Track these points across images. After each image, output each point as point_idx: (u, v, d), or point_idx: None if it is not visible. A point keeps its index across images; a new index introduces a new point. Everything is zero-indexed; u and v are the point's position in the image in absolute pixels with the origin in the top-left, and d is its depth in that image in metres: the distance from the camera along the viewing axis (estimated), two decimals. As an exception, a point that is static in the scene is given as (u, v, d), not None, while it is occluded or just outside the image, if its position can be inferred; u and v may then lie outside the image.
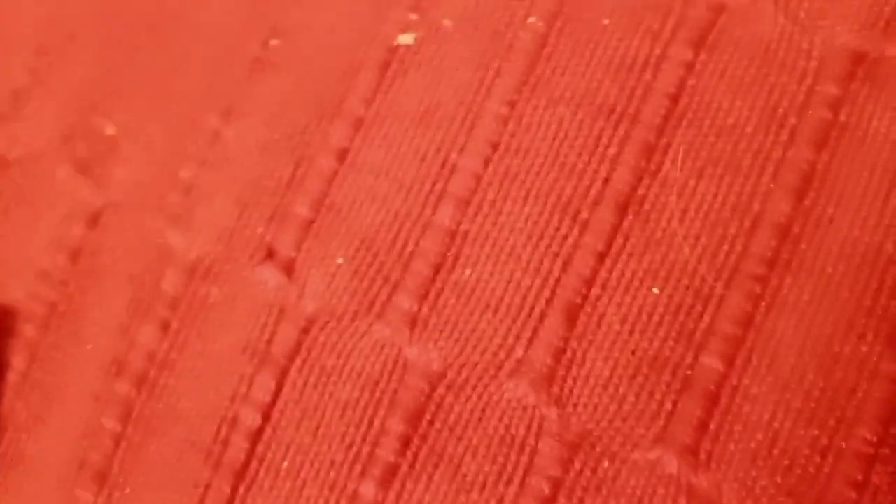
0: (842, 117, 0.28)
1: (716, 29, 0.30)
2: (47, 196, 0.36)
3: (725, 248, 0.28)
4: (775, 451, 0.26)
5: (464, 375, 0.30)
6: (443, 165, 0.31)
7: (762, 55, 0.29)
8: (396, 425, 0.30)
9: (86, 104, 0.36)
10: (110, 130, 0.36)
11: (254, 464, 0.31)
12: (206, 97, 0.35)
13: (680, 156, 0.29)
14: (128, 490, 0.32)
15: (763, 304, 0.27)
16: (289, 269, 0.32)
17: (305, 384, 0.31)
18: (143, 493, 0.32)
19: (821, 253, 0.27)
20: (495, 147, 0.31)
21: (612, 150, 0.30)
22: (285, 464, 0.30)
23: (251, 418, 0.31)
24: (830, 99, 0.28)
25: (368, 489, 0.29)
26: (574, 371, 0.29)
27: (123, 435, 0.33)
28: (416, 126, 0.32)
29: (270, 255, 0.32)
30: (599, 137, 0.30)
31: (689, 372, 0.28)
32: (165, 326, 0.33)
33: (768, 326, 0.27)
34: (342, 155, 0.32)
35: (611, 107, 0.30)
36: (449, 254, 0.30)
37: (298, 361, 0.31)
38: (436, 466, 0.29)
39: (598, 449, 0.28)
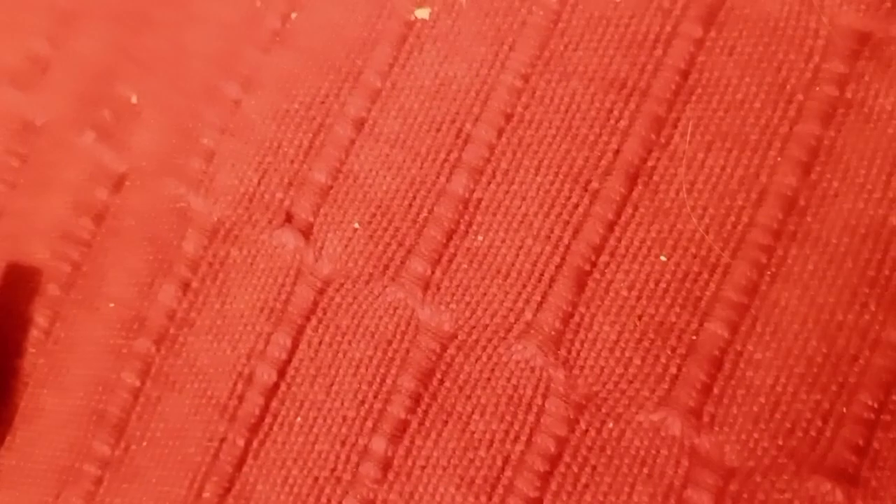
0: (848, 94, 0.26)
1: (725, 7, 0.28)
2: (72, 161, 0.34)
3: (732, 218, 0.26)
4: (777, 415, 0.25)
5: (474, 337, 0.28)
6: (457, 135, 0.29)
7: (770, 33, 0.27)
8: (408, 383, 0.28)
9: (108, 72, 0.34)
10: (132, 98, 0.34)
11: (268, 419, 0.29)
12: (226, 67, 0.32)
13: (689, 129, 0.27)
14: (144, 443, 0.30)
15: (768, 273, 0.26)
16: (306, 232, 0.30)
17: (320, 343, 0.29)
18: (158, 445, 0.30)
19: (826, 225, 0.26)
20: (509, 118, 0.29)
21: (622, 123, 0.28)
22: (298, 419, 0.29)
23: (267, 375, 0.29)
24: (837, 76, 0.26)
25: (379, 444, 0.28)
26: (581, 334, 0.27)
27: (142, 390, 0.31)
28: (431, 98, 0.30)
29: (289, 219, 0.30)
30: (611, 110, 0.28)
31: (694, 337, 0.26)
32: (186, 286, 0.31)
33: (773, 295, 0.26)
34: (359, 124, 0.30)
35: (622, 81, 0.28)
36: (462, 220, 0.29)
37: (314, 321, 0.29)
38: (445, 424, 0.27)
39: (603, 410, 0.26)
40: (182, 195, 0.32)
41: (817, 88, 0.26)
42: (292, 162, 0.31)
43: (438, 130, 0.30)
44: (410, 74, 0.30)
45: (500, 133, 0.29)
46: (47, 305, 0.33)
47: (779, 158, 0.26)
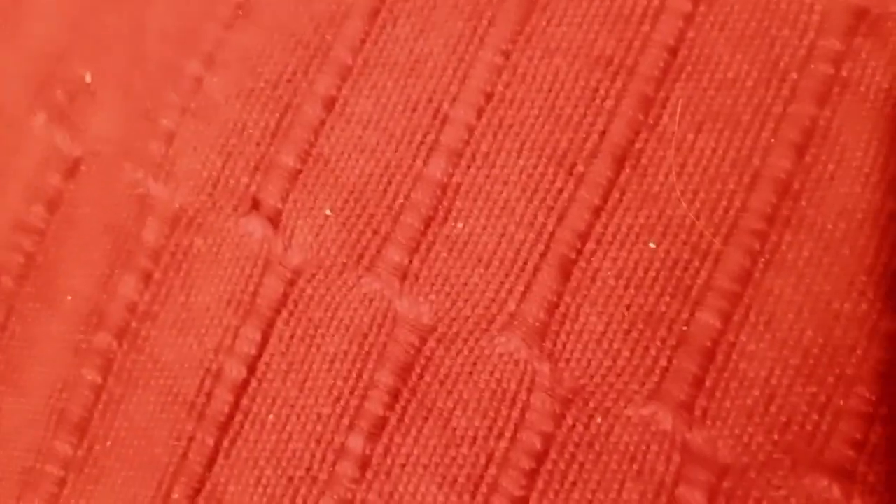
0: (843, 73, 0.26)
1: (716, -20, 0.28)
2: (22, 145, 0.33)
3: (724, 203, 0.26)
4: (772, 409, 0.25)
5: (454, 329, 0.28)
6: (434, 116, 0.29)
7: (763, 8, 0.27)
8: (385, 378, 0.28)
9: (61, 51, 0.34)
10: (87, 77, 0.33)
11: (238, 417, 0.29)
12: (186, 44, 0.32)
13: (678, 109, 0.27)
14: (108, 443, 0.30)
15: (762, 260, 0.26)
16: (275, 220, 0.30)
17: (292, 337, 0.29)
18: (124, 445, 0.30)
19: (821, 209, 0.26)
20: (489, 98, 0.29)
21: (609, 103, 0.28)
22: (271, 417, 0.29)
23: (236, 371, 0.29)
24: (832, 54, 0.26)
25: (356, 442, 0.28)
26: (567, 326, 0.27)
27: (104, 387, 0.30)
28: (406, 75, 0.30)
29: (256, 205, 0.30)
30: (596, 89, 0.28)
31: (684, 328, 0.26)
32: (147, 277, 0.31)
33: (767, 283, 0.26)
34: (329, 104, 0.30)
35: (608, 58, 0.28)
36: (440, 206, 0.28)
37: (285, 314, 0.29)
38: (425, 420, 0.27)
39: (590, 404, 0.26)
40: (141, 181, 0.31)
41: (812, 66, 0.26)
42: (258, 144, 0.30)
43: (414, 111, 0.29)
44: (383, 51, 0.30)
45: (479, 113, 0.29)
46: (1, 299, 0.32)
47: (772, 140, 0.26)
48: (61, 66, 0.34)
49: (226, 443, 0.29)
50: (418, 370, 0.28)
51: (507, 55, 0.29)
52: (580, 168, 0.27)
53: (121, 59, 0.33)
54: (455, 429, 0.27)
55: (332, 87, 0.30)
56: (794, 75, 0.26)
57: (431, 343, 0.28)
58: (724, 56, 0.27)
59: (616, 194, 0.27)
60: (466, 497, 0.27)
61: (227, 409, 0.29)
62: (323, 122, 0.30)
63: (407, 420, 0.27)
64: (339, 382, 0.28)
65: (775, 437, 0.25)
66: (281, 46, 0.31)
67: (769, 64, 0.27)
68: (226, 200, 0.30)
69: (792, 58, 0.27)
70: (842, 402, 0.24)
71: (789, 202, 0.26)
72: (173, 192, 0.31)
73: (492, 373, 0.27)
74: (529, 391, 0.27)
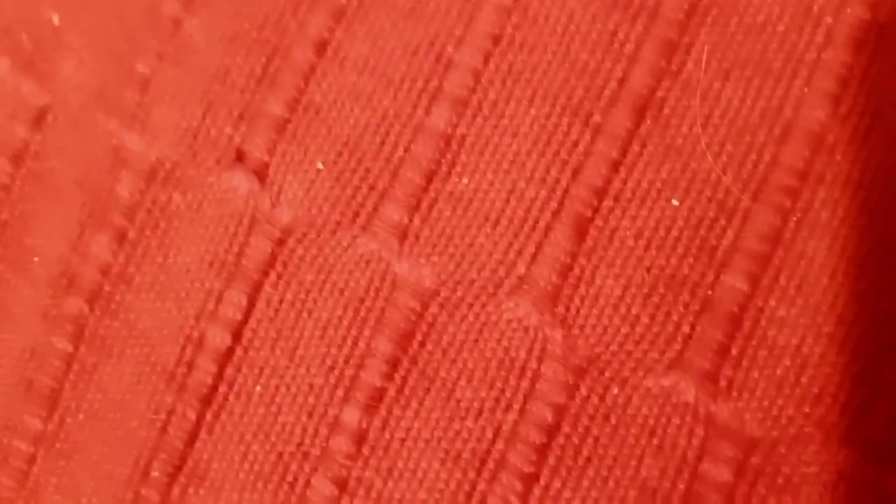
0: (881, 17, 0.26)
1: (746, -86, 0.27)
2: (-17, 92, 0.33)
3: (753, 157, 0.26)
4: (804, 379, 0.25)
5: (459, 293, 0.28)
6: (437, 61, 0.29)
7: (797, -55, 0.27)
8: (384, 346, 0.28)
9: (26, -11, 0.33)
10: (54, 19, 0.32)
11: (222, 388, 0.29)
12: (163, -19, 0.31)
13: (704, 55, 0.27)
14: (81, 416, 0.30)
15: (793, 219, 0.26)
16: (261, 174, 0.29)
17: (281, 301, 0.29)
18: (97, 419, 0.30)
19: (857, 164, 0.26)
20: (497, 41, 0.28)
21: (628, 48, 0.27)
22: (258, 388, 0.28)
23: (219, 338, 0.29)
24: (870, -3, 0.26)
25: (352, 416, 0.28)
26: (582, 290, 0.27)
27: (75, 356, 0.30)
28: (406, 16, 0.29)
29: (240, 158, 0.30)
30: (615, 33, 0.27)
31: (709, 292, 0.26)
32: (121, 237, 0.30)
33: (798, 244, 0.26)
34: (321, 48, 0.30)
35: (627, -1, 0.28)
36: (444, 160, 0.28)
37: (273, 276, 0.29)
38: (427, 391, 0.27)
39: (606, 374, 0.26)
40: (114, 131, 0.31)
41: (848, 10, 0.26)
42: (243, 92, 0.30)
43: (415, 55, 0.29)
44: (380, -12, 0.30)
45: (486, 58, 0.28)
46: (-39, 260, 0.32)
47: (805, 89, 0.26)
48: (26, 7, 0.33)
49: (209, 416, 0.29)
50: (419, 337, 0.28)
51: (516, -6, 0.29)
52: (597, 118, 0.27)
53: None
54: (459, 400, 0.27)
55: (324, 29, 0.30)
56: (829, 20, 0.26)
57: (434, 308, 0.28)
58: (753, -2, 0.27)
59: (636, 147, 0.27)
60: (472, 474, 0.27)
61: (209, 380, 0.29)
62: (314, 68, 0.30)
63: (407, 391, 0.27)
64: (333, 351, 0.28)
65: (806, 409, 0.25)
66: (268, -16, 0.30)
67: (802, 7, 0.27)
68: (207, 153, 0.30)
69: (826, 1, 0.26)
70: (878, 373, 0.24)
71: (823, 156, 0.26)
72: (149, 144, 0.31)
73: (499, 340, 0.27)
74: (540, 360, 0.27)
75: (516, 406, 0.27)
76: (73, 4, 0.32)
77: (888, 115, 0.26)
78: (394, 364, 0.28)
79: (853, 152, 0.26)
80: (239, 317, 0.29)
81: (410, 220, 0.28)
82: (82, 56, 0.32)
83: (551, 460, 0.26)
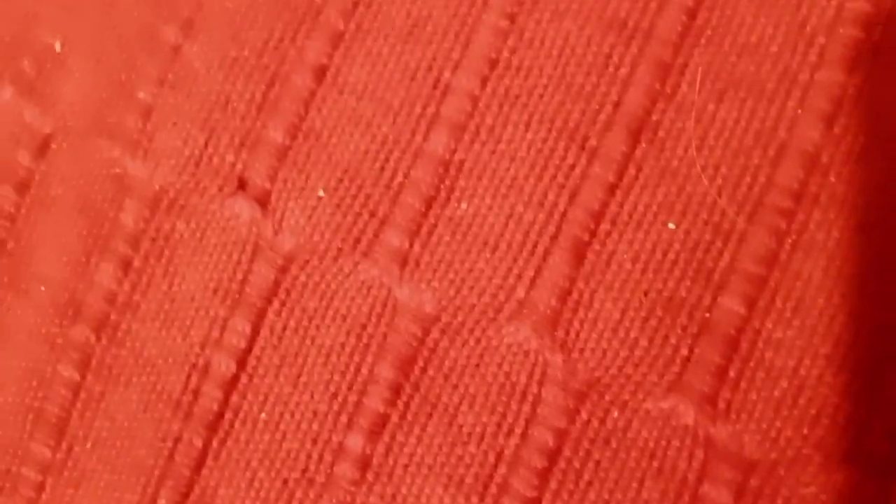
0: (875, 37, 0.27)
1: (738, -65, 0.29)
2: (-12, 120, 0.35)
3: (748, 179, 0.28)
4: (801, 401, 0.26)
5: (459, 318, 0.29)
6: (434, 86, 0.30)
7: (789, -34, 0.28)
8: (386, 372, 0.29)
9: (27, 16, 0.35)
10: (56, 46, 0.34)
11: (228, 415, 0.31)
12: (163, 8, 0.33)
13: (698, 77, 0.28)
14: (89, 444, 0.32)
15: (788, 240, 0.27)
16: (263, 201, 0.31)
17: (284, 328, 0.30)
18: (105, 446, 0.32)
19: (852, 185, 0.27)
20: (493, 65, 0.30)
21: (623, 70, 0.29)
22: (263, 415, 0.30)
23: (224, 365, 0.31)
24: (862, 16, 0.28)
25: (356, 442, 0.29)
26: (581, 314, 0.28)
27: (82, 385, 0.32)
28: (403, 41, 0.31)
29: (242, 185, 0.31)
30: (609, 55, 0.29)
31: (707, 314, 0.27)
32: (126, 265, 0.32)
33: (794, 265, 0.27)
34: (320, 73, 0.31)
35: (622, 21, 0.29)
36: (442, 185, 0.30)
37: (276, 303, 0.31)
38: (429, 417, 0.29)
39: (606, 398, 0.28)
40: (117, 159, 0.33)
41: (840, 30, 0.28)
42: (244, 118, 0.32)
43: (412, 80, 0.30)
44: (378, 14, 0.31)
45: (483, 82, 0.30)
46: (-32, 289, 0.34)
47: (799, 110, 0.28)
48: (28, 33, 0.35)
49: (215, 443, 0.30)
50: (421, 363, 0.29)
51: (512, 18, 0.30)
52: (593, 142, 0.29)
53: (93, 26, 0.34)
54: (461, 426, 0.29)
55: (323, 55, 0.31)
56: (822, 39, 0.28)
57: (435, 334, 0.29)
58: (746, 18, 0.28)
59: (632, 170, 0.28)
60: (474, 499, 0.28)
61: (215, 407, 0.31)
62: (313, 94, 0.31)
63: (409, 417, 0.29)
64: (336, 377, 0.30)
65: (805, 431, 0.26)
66: (266, 10, 0.32)
67: (795, 27, 0.28)
68: (210, 180, 0.32)
69: (819, 20, 0.28)
70: (876, 393, 0.26)
71: (818, 177, 0.27)
72: (152, 172, 0.32)
73: (500, 365, 0.29)
74: (541, 384, 0.28)
75: (518, 430, 0.28)
76: (74, 30, 0.34)
77: (882, 135, 0.27)
78: (396, 390, 0.29)
79: (848, 172, 0.27)
80: (243, 344, 0.31)
81: (411, 246, 0.30)
82: (84, 82, 0.34)
83: (553, 484, 0.28)
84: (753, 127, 0.28)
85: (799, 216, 0.27)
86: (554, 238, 0.29)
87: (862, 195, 0.27)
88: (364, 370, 0.30)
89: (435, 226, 0.30)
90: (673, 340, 0.27)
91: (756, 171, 0.28)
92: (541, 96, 0.29)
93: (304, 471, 0.30)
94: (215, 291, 0.31)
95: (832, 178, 0.27)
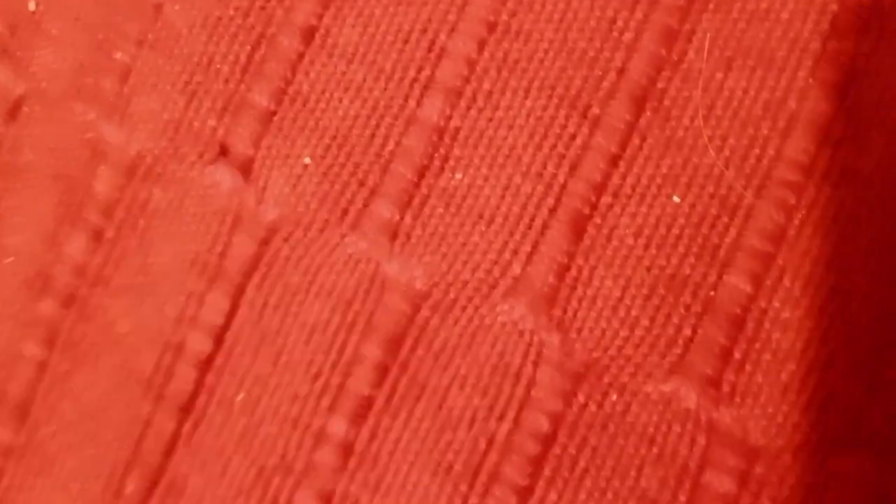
0: (886, 3, 0.29)
1: None
2: (-47, 82, 0.36)
3: (756, 151, 0.29)
4: (810, 385, 0.28)
5: (451, 295, 0.31)
6: (429, 49, 0.32)
7: (803, -71, 0.30)
8: (372, 352, 0.31)
9: (-2, -28, 0.37)
10: (32, 6, 0.36)
11: (202, 396, 0.32)
12: (143, -35, 0.35)
13: (706, 44, 0.30)
14: (53, 427, 0.33)
15: (797, 216, 0.29)
16: (246, 169, 0.32)
17: (265, 304, 0.32)
18: (71, 430, 0.33)
19: (863, 158, 0.29)
20: (492, 28, 0.31)
21: (627, 36, 0.30)
22: (240, 396, 0.31)
23: (200, 343, 0.32)
24: (878, -18, 0.29)
25: (338, 426, 0.31)
26: (579, 291, 0.30)
27: (48, 363, 0.33)
28: (396, 2, 0.32)
29: (224, 152, 0.33)
30: (613, 20, 0.31)
31: (711, 293, 0.29)
32: (98, 235, 0.33)
33: (803, 242, 0.29)
34: (308, 35, 0.33)
35: (628, -15, 0.31)
36: (436, 154, 0.31)
37: (257, 278, 0.32)
38: (417, 400, 0.30)
39: (605, 380, 0.29)
40: (92, 123, 0.34)
41: (854, -4, 0.29)
42: (227, 81, 0.33)
43: (406, 42, 0.32)
44: (371, -26, 0.33)
45: (481, 46, 0.31)
46: (-71, 259, 0.35)
47: (810, 80, 0.29)
48: None
49: (187, 427, 0.32)
50: (409, 342, 0.31)
51: (513, -20, 0.32)
52: (595, 110, 0.30)
53: (67, -17, 0.36)
54: (451, 409, 0.30)
55: (312, 16, 0.33)
56: (834, 6, 0.29)
57: (425, 311, 0.31)
58: (757, -16, 0.30)
59: (636, 140, 0.30)
60: (464, 487, 0.30)
61: (189, 388, 0.32)
62: (301, 56, 0.33)
63: (396, 400, 0.30)
64: (319, 357, 0.31)
65: (813, 416, 0.28)
66: (253, -31, 0.34)
67: (808, -7, 0.30)
68: (189, 146, 0.33)
69: (833, -13, 0.29)
70: (887, 377, 0.28)
71: (828, 150, 0.29)
72: (129, 137, 0.34)
73: (493, 345, 0.30)
74: (535, 365, 0.30)
75: (511, 414, 0.30)
76: None
77: (893, 107, 0.29)
78: (383, 371, 0.30)
79: (858, 145, 0.29)
80: (221, 321, 0.32)
81: (401, 218, 0.31)
82: (59, 43, 0.35)
83: (547, 471, 0.29)
84: (762, 97, 0.29)
85: (809, 191, 0.29)
86: (552, 211, 0.30)
87: (873, 170, 0.28)
88: (349, 350, 0.31)
89: (427, 197, 0.31)
90: (675, 320, 0.29)
91: (765, 143, 0.29)
92: (541, 62, 0.31)
93: (283, 457, 0.31)
94: (192, 264, 0.32)
95: (843, 152, 0.29)
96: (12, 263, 0.34)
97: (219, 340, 0.32)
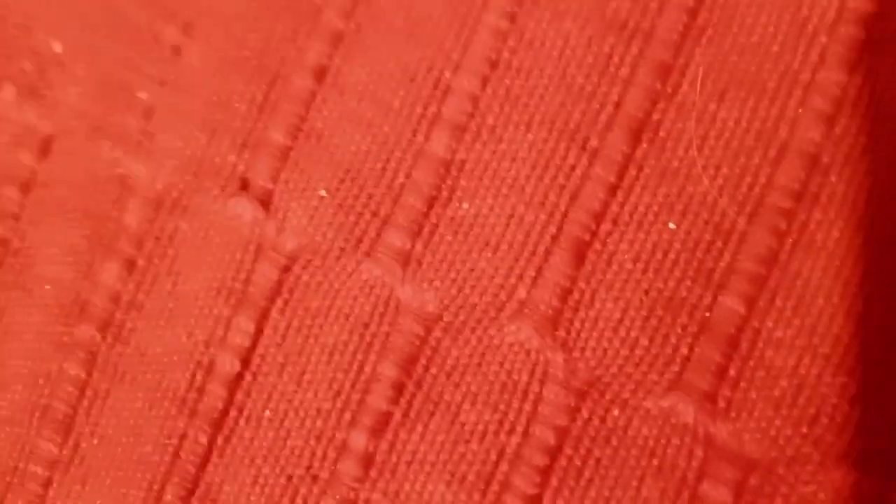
0: (875, 35, 0.28)
1: (738, -66, 0.29)
2: (-10, 121, 0.35)
3: (748, 179, 0.28)
4: (801, 400, 0.27)
5: (461, 318, 0.30)
6: (435, 86, 0.31)
7: (789, -35, 0.28)
8: (389, 371, 0.30)
9: (26, 17, 0.35)
10: (56, 47, 0.34)
11: (233, 413, 0.31)
12: (163, 8, 0.33)
13: (699, 77, 0.29)
14: (95, 441, 0.32)
15: (789, 240, 0.28)
16: (265, 201, 0.32)
17: (288, 327, 0.31)
18: (111, 443, 0.32)
19: (852, 185, 0.27)
20: (494, 65, 0.30)
21: (623, 71, 0.29)
22: (267, 413, 0.31)
23: (229, 364, 0.31)
24: (863, 15, 0.28)
25: (359, 439, 0.30)
26: (581, 313, 0.29)
27: (88, 382, 0.33)
28: (403, 41, 0.31)
29: (244, 186, 0.32)
30: (610, 56, 0.29)
31: (707, 314, 0.28)
32: (130, 265, 0.33)
33: (794, 265, 0.27)
34: (320, 74, 0.32)
35: (622, 22, 0.29)
36: (444, 185, 0.30)
37: (280, 302, 0.31)
38: (431, 415, 0.29)
39: (607, 396, 0.28)
40: (119, 160, 0.33)
41: (842, 29, 0.28)
42: (245, 119, 0.32)
43: (413, 80, 0.31)
44: (378, 14, 0.31)
45: (484, 83, 0.30)
46: (-26, 288, 0.35)
47: (800, 110, 0.28)
48: (28, 34, 0.35)
49: (220, 440, 0.31)
50: (423, 361, 0.30)
51: (512, 18, 0.30)
52: (594, 142, 0.29)
53: (93, 26, 0.34)
54: (463, 424, 0.29)
55: (323, 56, 0.32)
56: (823, 39, 0.28)
57: (437, 332, 0.30)
58: (747, 18, 0.28)
59: (632, 170, 0.29)
60: (476, 496, 0.29)
61: (220, 405, 0.31)
62: (314, 94, 0.32)
63: (412, 415, 0.29)
64: (340, 375, 0.30)
65: (804, 430, 0.27)
66: (266, 10, 0.32)
67: (796, 26, 0.28)
68: (212, 181, 0.32)
69: (821, 19, 0.28)
70: (875, 392, 0.26)
71: (818, 177, 0.28)
72: (154, 172, 0.33)
73: (502, 364, 0.29)
74: (542, 383, 0.29)
75: (519, 428, 0.29)
76: (74, 31, 0.34)
77: (883, 135, 0.27)
78: (399, 388, 0.30)
79: (848, 173, 0.27)
80: (247, 343, 0.31)
81: (412, 246, 0.30)
82: (85, 83, 0.34)
83: (554, 482, 0.28)
84: (754, 127, 0.28)
85: (799, 216, 0.28)
86: (555, 238, 0.29)
87: (862, 195, 0.27)
88: (367, 369, 0.30)
89: (436, 226, 0.30)
90: (673, 339, 0.28)
91: (757, 171, 0.28)
92: (541, 97, 0.30)
93: (308, 468, 0.30)
94: (219, 291, 0.32)
95: (833, 179, 0.27)
96: (50, 291, 0.33)
97: (246, 361, 0.31)
